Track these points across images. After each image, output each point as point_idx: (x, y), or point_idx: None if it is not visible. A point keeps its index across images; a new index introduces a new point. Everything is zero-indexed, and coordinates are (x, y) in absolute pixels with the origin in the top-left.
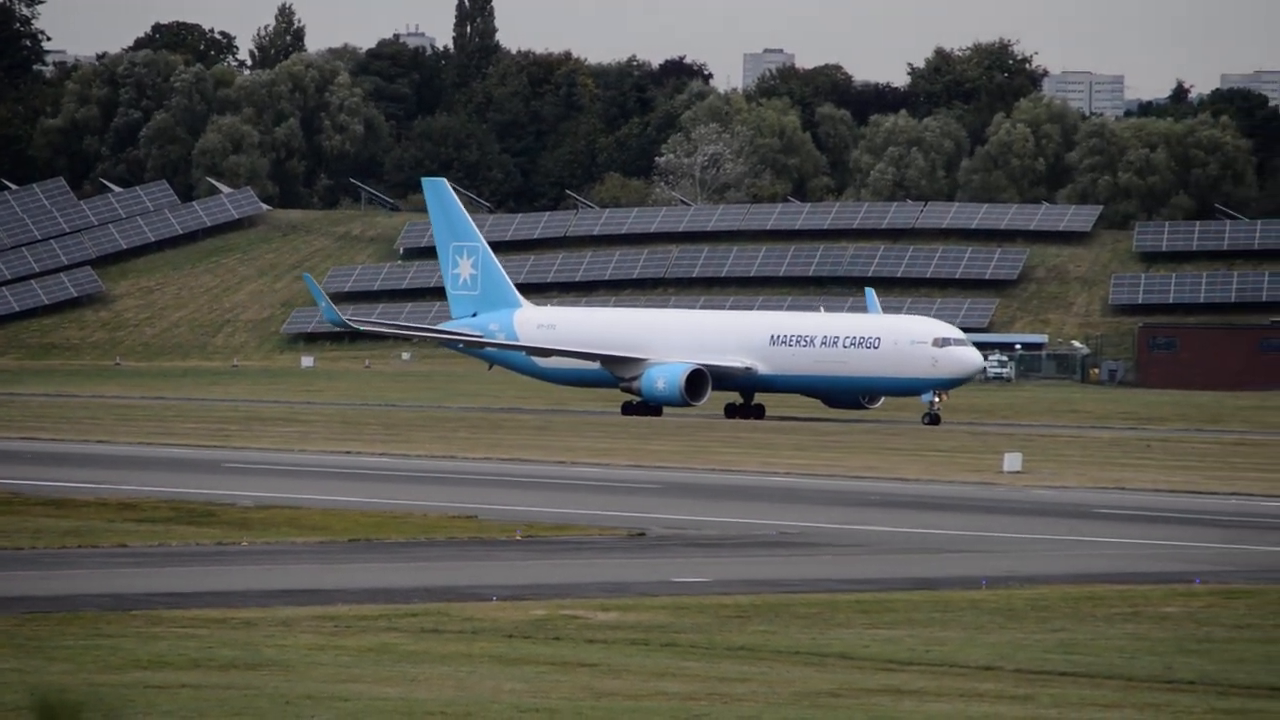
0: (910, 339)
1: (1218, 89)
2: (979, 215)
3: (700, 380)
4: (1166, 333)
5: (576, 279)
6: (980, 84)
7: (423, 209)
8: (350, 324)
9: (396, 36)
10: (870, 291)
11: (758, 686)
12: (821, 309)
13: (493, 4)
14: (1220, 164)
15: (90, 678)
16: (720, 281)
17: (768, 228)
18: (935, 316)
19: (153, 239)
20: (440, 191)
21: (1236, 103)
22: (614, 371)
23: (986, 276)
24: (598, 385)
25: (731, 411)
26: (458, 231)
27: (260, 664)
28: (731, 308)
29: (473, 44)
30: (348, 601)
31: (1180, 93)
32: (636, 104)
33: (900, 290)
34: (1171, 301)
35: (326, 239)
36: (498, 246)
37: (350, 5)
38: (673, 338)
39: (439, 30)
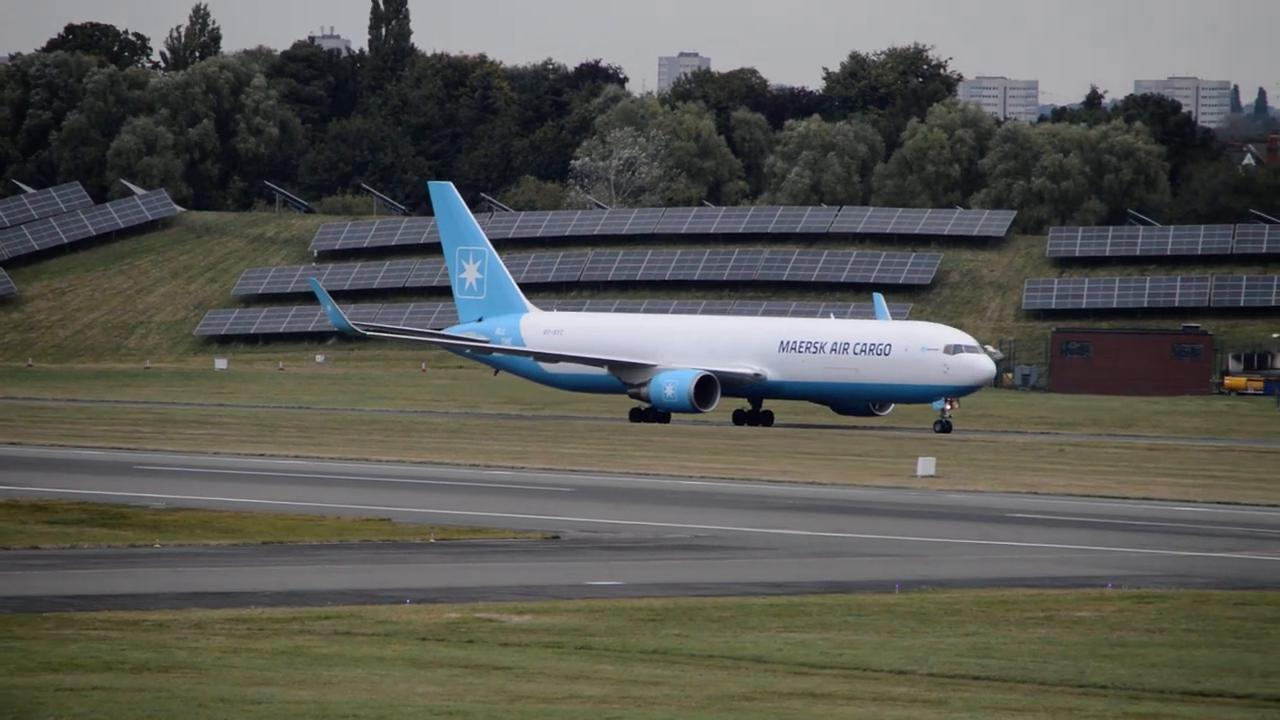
0: (922, 345)
1: (1131, 95)
2: (894, 220)
3: (709, 386)
4: (1080, 338)
5: None
6: (895, 89)
7: (337, 211)
8: (357, 329)
9: (312, 39)
10: (878, 297)
11: (671, 690)
12: (831, 315)
13: (408, 6)
14: (1133, 169)
15: (1, 680)
16: (635, 285)
17: (683, 231)
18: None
19: (66, 240)
20: (446, 196)
21: (1150, 109)
22: (622, 377)
23: (901, 281)
24: (605, 391)
25: (740, 418)
26: (463, 236)
27: (173, 666)
28: (645, 311)
29: (388, 46)
30: (260, 604)
31: (1094, 98)
32: (552, 107)
33: (815, 294)
34: (1085, 306)
35: (241, 241)
36: (412, 249)
37: (265, 7)
38: (681, 343)
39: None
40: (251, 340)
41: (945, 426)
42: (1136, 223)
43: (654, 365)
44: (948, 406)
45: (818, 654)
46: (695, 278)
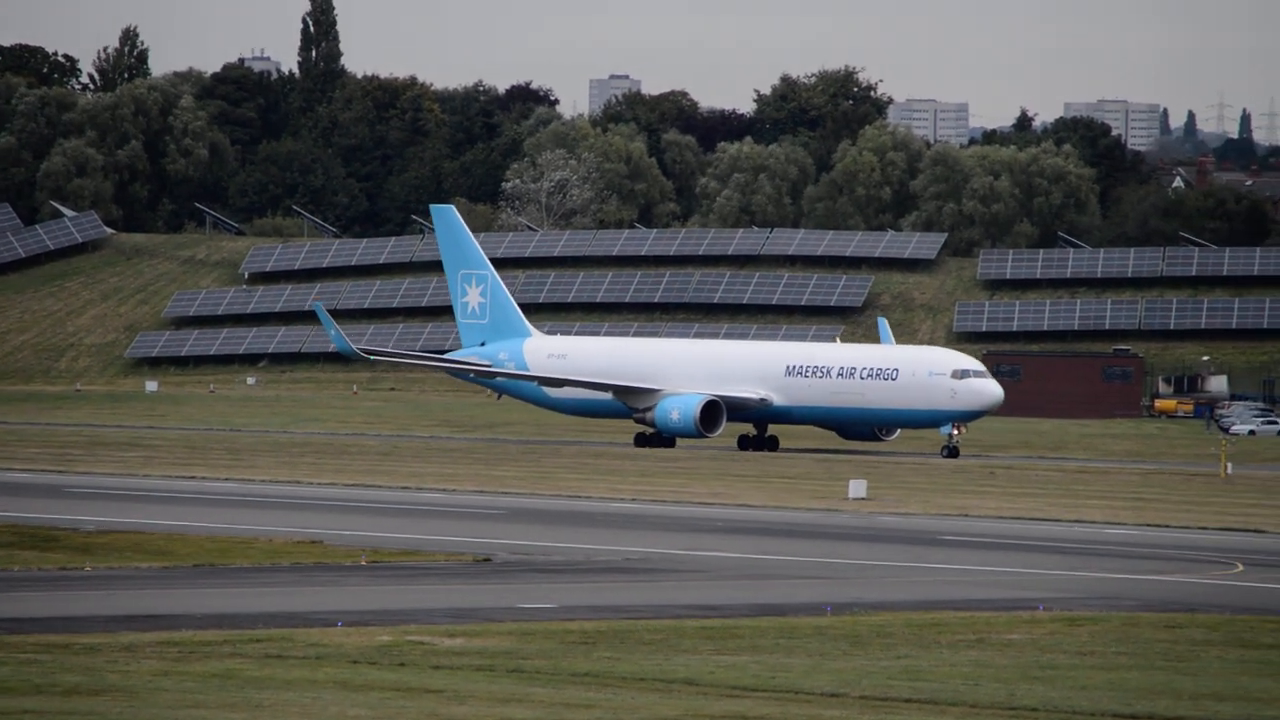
0: (929, 370)
1: (1061, 117)
2: (824, 242)
3: (715, 411)
4: (1010, 360)
5: (423, 304)
6: (826, 111)
7: (267, 233)
8: (361, 354)
9: (241, 60)
10: (883, 321)
11: (603, 713)
12: (837, 339)
13: (338, 28)
14: (1064, 192)
15: None
16: (566, 307)
17: (614, 253)
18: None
19: None
20: (449, 219)
21: (1080, 131)
22: (627, 402)
23: (832, 303)
24: (610, 416)
25: (745, 443)
26: (467, 259)
27: (104, 690)
28: (577, 333)
29: (318, 68)
30: (192, 627)
31: (1024, 121)
32: (483, 129)
33: (746, 317)
34: (1015, 329)
35: (171, 263)
36: (343, 271)
37: (195, 29)
38: (687, 368)
39: (284, 54)
40: (182, 362)
41: (953, 452)
42: (1067, 245)
43: (659, 390)
44: (955, 432)
45: (749, 676)
46: (627, 300)
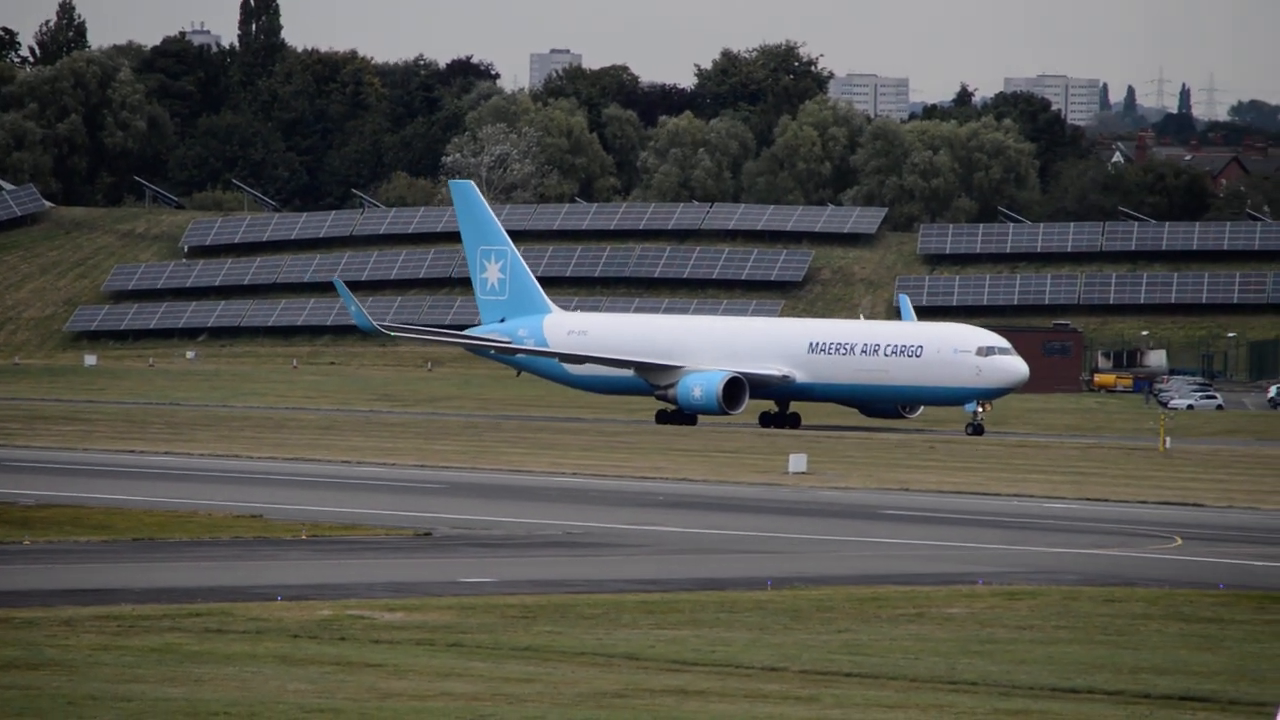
0: (954, 347)
1: (1001, 92)
2: (765, 217)
3: (738, 388)
4: None
5: (363, 278)
6: (767, 86)
7: (207, 207)
8: (382, 330)
9: (182, 34)
10: (904, 298)
11: (543, 687)
12: (861, 316)
13: (278, 2)
14: (1003, 167)
15: None
16: None
17: (554, 228)
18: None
19: None
20: (467, 194)
21: (1020, 106)
22: (648, 379)
23: (772, 278)
24: (631, 393)
25: (766, 420)
26: (485, 235)
27: (42, 664)
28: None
29: (258, 42)
30: (131, 601)
31: (964, 96)
32: (423, 103)
33: (687, 291)
34: (955, 304)
35: (110, 236)
36: (283, 245)
37: (134, 2)
38: (709, 344)
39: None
40: (121, 336)
41: (978, 429)
42: (1007, 220)
43: (681, 367)
44: (980, 409)
45: (690, 651)
46: (568, 274)
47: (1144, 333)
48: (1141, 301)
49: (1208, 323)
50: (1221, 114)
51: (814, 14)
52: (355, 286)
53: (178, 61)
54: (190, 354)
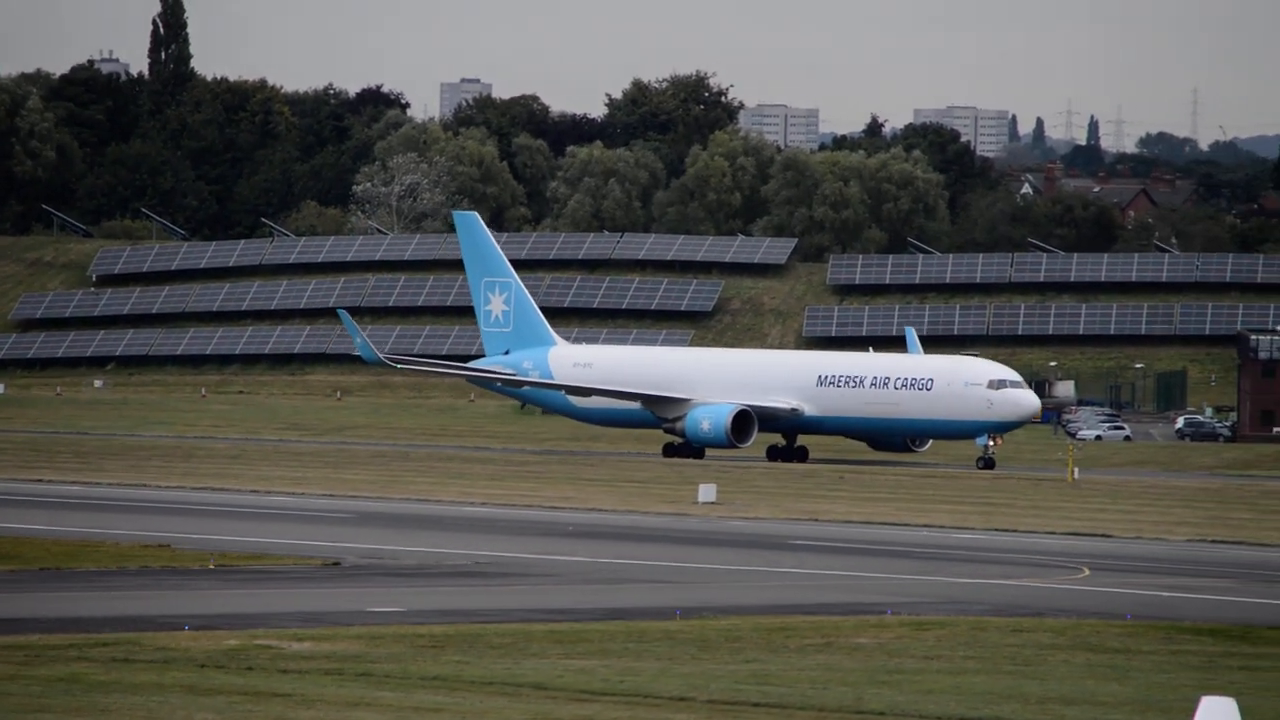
0: (964, 380)
1: (911, 124)
2: (675, 247)
3: (746, 421)
4: None
5: (272, 307)
6: (677, 116)
7: (116, 235)
8: (387, 361)
9: (90, 62)
10: (910, 330)
11: (452, 717)
12: (870, 349)
13: (188, 30)
14: (912, 198)
15: None
16: (416, 311)
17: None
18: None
19: None
20: (471, 226)
21: (929, 137)
22: (656, 412)
23: (682, 308)
24: (638, 426)
25: (774, 454)
26: (490, 266)
27: None
28: (428, 337)
29: (167, 70)
30: (38, 631)
31: (874, 127)
32: (333, 132)
33: (597, 321)
34: (865, 334)
35: (17, 265)
36: (191, 274)
37: (43, 30)
38: (717, 377)
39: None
40: (29, 365)
41: (988, 463)
42: (916, 251)
43: (689, 400)
44: (991, 443)
45: (599, 681)
46: None
47: (1052, 364)
48: (1050, 332)
49: (1115, 354)
50: (1130, 146)
51: (724, 44)
52: (264, 316)
53: (87, 90)
54: (98, 383)
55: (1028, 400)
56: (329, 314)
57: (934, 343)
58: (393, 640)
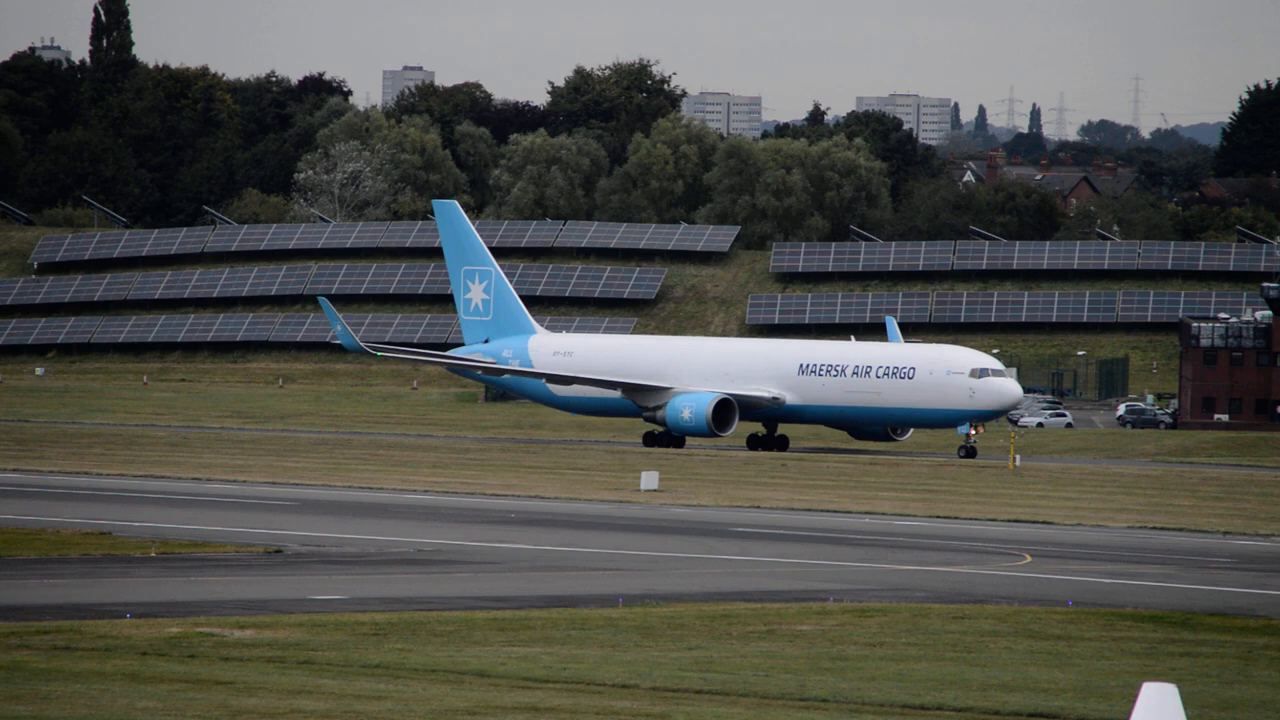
0: (946, 369)
1: (853, 111)
2: (618, 234)
3: (727, 410)
4: None
5: (214, 295)
6: (620, 104)
7: (58, 223)
8: (367, 349)
9: (32, 49)
10: (890, 320)
11: (394, 704)
12: (852, 337)
13: (129, 17)
14: (855, 186)
15: None
16: (359, 299)
17: (407, 245)
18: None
19: None
20: (451, 214)
21: (871, 125)
22: (636, 400)
23: (625, 295)
24: (618, 414)
25: (754, 443)
26: (469, 255)
27: None
28: (370, 325)
29: (109, 57)
30: None
31: (817, 115)
32: (275, 120)
33: (539, 309)
34: (808, 322)
35: None
36: (134, 262)
37: None
38: (697, 365)
39: (75, 43)
40: None
41: (970, 452)
42: (859, 239)
43: (670, 388)
44: (972, 431)
45: (541, 668)
46: (420, 292)
47: (995, 351)
48: (992, 320)
49: (1058, 341)
50: (1071, 134)
51: (666, 32)
52: (206, 304)
53: (28, 77)
54: (39, 370)
55: (1010, 389)
56: (271, 301)
57: (878, 330)
58: (334, 628)
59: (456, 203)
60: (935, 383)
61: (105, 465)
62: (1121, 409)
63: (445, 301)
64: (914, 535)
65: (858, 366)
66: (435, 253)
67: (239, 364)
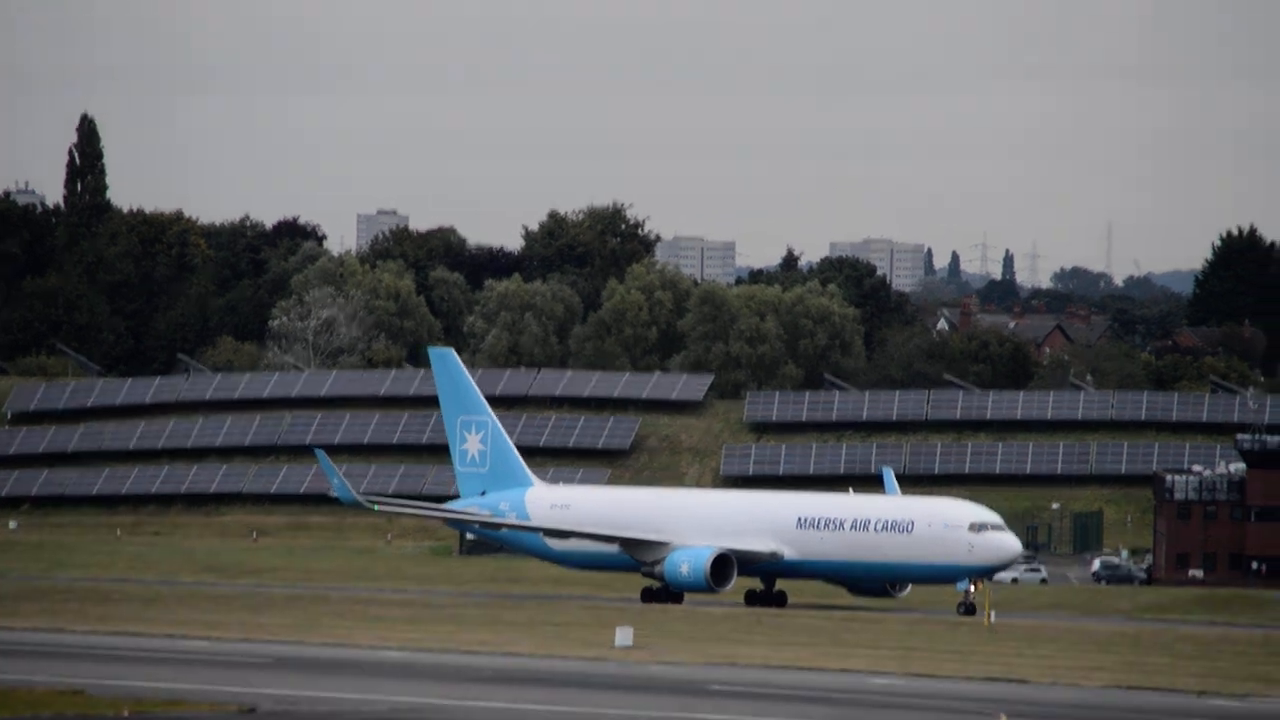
0: (945, 523)
1: (827, 257)
2: (591, 383)
3: (726, 565)
4: None
5: (188, 445)
6: (594, 248)
7: (31, 372)
8: (365, 503)
9: (6, 194)
10: (888, 471)
11: None
12: (850, 490)
13: (104, 160)
14: (828, 333)
15: None
16: (334, 449)
17: (381, 394)
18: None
19: None
20: (448, 362)
21: (845, 271)
22: (634, 555)
23: (599, 446)
24: (617, 569)
25: (752, 599)
26: (466, 405)
27: None
28: (344, 474)
29: (84, 201)
30: None
31: (790, 260)
32: (249, 265)
33: None
34: (781, 473)
35: None
36: (107, 411)
37: None
38: (696, 520)
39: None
40: None
41: (969, 609)
42: (833, 387)
43: (668, 543)
44: (972, 587)
45: None
46: (394, 441)
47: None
48: (966, 471)
49: (1032, 493)
50: (1044, 280)
51: (640, 176)
52: (180, 454)
53: (2, 222)
54: (13, 524)
55: (1009, 544)
56: (245, 452)
57: (852, 481)
58: None
59: (453, 351)
60: (934, 536)
61: (79, 622)
62: (1096, 564)
63: (419, 451)
64: (888, 693)
65: (856, 520)
66: (409, 402)
67: (213, 516)
